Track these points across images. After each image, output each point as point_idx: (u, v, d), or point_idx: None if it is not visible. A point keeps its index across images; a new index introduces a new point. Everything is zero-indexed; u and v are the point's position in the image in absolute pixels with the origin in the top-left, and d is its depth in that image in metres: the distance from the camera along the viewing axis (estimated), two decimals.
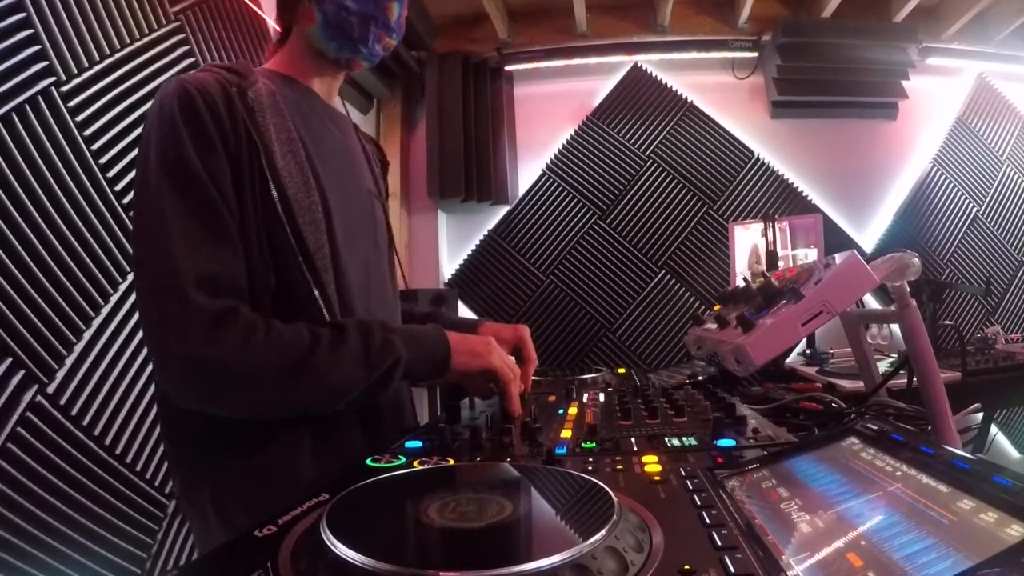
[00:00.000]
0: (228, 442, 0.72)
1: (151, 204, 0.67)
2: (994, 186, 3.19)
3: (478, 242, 3.18)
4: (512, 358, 0.88)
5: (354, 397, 0.70)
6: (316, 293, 0.73)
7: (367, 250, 0.87)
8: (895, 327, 1.75)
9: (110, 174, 1.39)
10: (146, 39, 1.53)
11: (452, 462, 0.61)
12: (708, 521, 0.42)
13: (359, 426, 0.80)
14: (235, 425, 0.70)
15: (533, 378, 0.99)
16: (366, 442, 0.80)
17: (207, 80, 0.71)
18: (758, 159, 3.11)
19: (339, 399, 0.70)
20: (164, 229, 0.65)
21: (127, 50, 1.46)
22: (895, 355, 1.81)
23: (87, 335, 1.31)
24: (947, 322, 2.71)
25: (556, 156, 3.17)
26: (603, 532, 0.36)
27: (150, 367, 1.45)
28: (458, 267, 3.18)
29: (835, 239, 2.91)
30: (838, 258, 0.72)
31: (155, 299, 0.65)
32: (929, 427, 0.82)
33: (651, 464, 0.57)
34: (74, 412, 1.27)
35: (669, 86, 3.16)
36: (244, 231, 0.70)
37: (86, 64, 1.35)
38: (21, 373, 1.17)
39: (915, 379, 0.84)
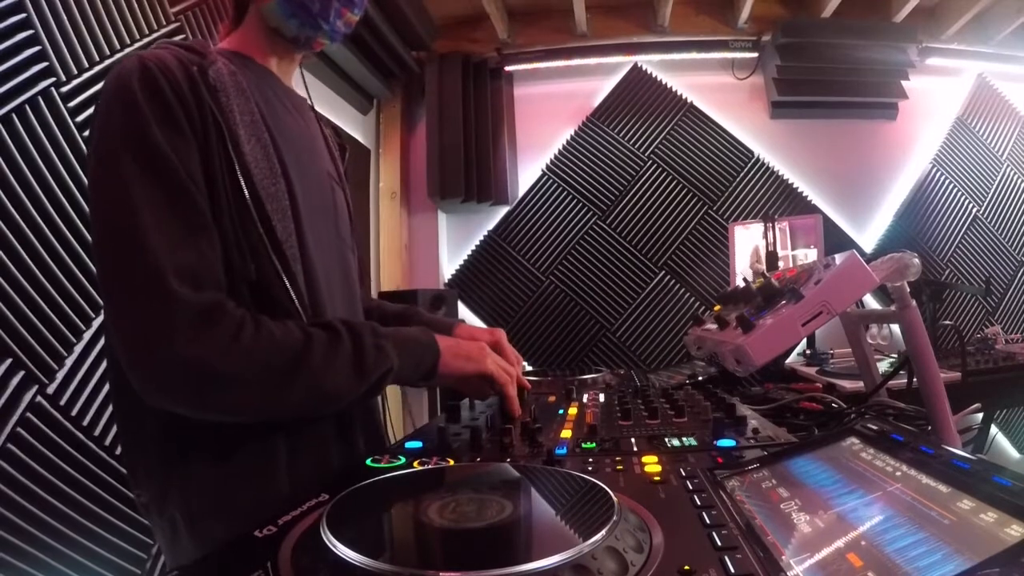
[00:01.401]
0: (197, 448, 0.67)
1: (117, 192, 0.60)
2: (994, 186, 3.19)
3: (478, 242, 3.18)
4: (504, 361, 0.87)
5: (343, 404, 0.69)
6: (287, 284, 0.68)
7: (329, 237, 0.82)
8: (895, 327, 1.75)
9: None
10: (146, 39, 1.53)
11: (452, 462, 0.61)
12: (708, 521, 0.42)
13: (334, 428, 0.77)
14: (205, 430, 0.66)
15: (533, 379, 0.98)
16: (341, 446, 0.77)
17: (167, 58, 0.65)
18: (758, 159, 3.11)
19: (330, 405, 0.68)
20: (136, 219, 0.59)
21: (127, 50, 1.46)
22: (895, 355, 1.81)
23: (87, 335, 1.31)
24: (947, 322, 2.71)
25: (556, 156, 3.17)
26: (603, 532, 0.36)
27: None
28: (458, 267, 3.18)
29: (835, 239, 2.91)
30: (838, 258, 0.72)
31: (133, 295, 0.59)
32: (929, 427, 0.82)
33: (651, 464, 0.57)
34: (74, 412, 1.27)
35: (669, 86, 3.16)
36: (217, 219, 0.65)
37: (86, 64, 1.35)
38: (21, 373, 1.17)
39: (915, 379, 0.84)
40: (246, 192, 0.66)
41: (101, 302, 0.64)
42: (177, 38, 1.63)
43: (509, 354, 0.92)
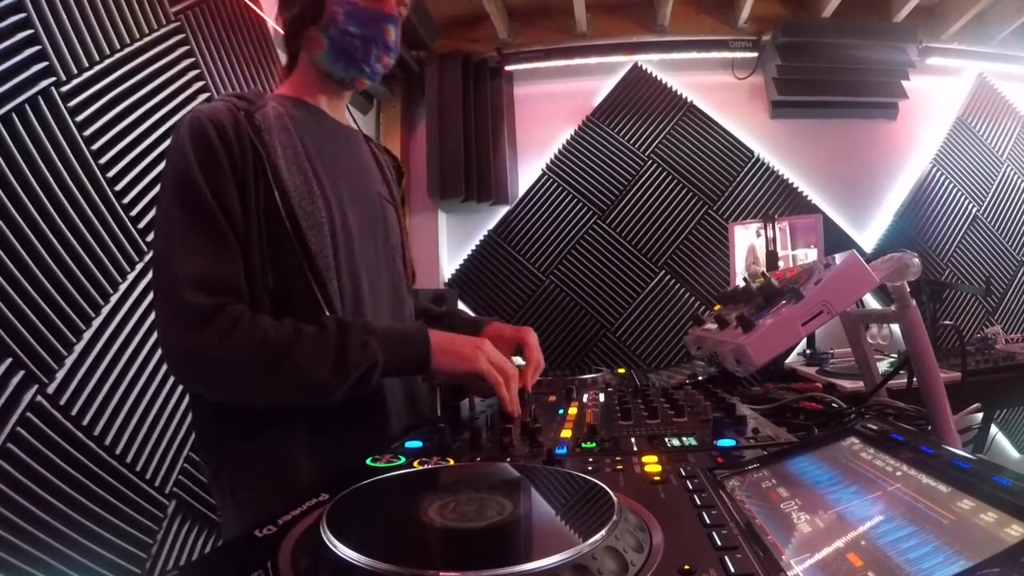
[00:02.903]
0: (235, 432, 0.80)
1: (162, 218, 0.78)
2: (994, 186, 3.19)
3: (478, 242, 3.18)
4: (508, 360, 0.87)
5: (337, 396, 0.75)
6: (317, 292, 0.79)
7: (376, 251, 0.93)
8: (895, 327, 1.75)
9: (110, 174, 1.39)
10: (146, 39, 1.53)
11: (452, 462, 0.61)
12: (708, 521, 0.42)
13: (360, 421, 0.83)
14: (240, 418, 0.79)
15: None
16: (366, 437, 0.82)
17: (218, 108, 0.81)
18: (758, 159, 3.11)
19: (317, 394, 0.75)
20: (170, 239, 0.75)
21: (127, 50, 1.46)
22: (895, 355, 1.81)
23: (87, 335, 1.31)
24: (947, 322, 2.71)
25: (556, 156, 3.17)
26: (603, 532, 0.36)
27: (150, 367, 1.45)
28: (458, 267, 3.18)
29: (835, 239, 2.91)
30: (838, 258, 0.72)
31: (160, 300, 0.74)
32: (929, 427, 0.82)
33: (651, 464, 0.57)
34: (74, 412, 1.27)
35: (669, 86, 3.16)
36: (248, 236, 0.77)
37: (86, 64, 1.35)
38: (21, 373, 1.17)
39: (915, 379, 0.84)
40: (282, 210, 0.79)
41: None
42: (177, 37, 1.63)
43: (531, 352, 0.94)
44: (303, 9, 0.88)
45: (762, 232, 2.58)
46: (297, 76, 0.95)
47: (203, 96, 1.72)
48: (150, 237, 1.50)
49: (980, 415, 1.92)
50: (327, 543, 0.36)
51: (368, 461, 0.63)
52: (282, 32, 0.94)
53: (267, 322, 0.74)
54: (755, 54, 3.06)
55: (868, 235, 3.11)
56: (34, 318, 1.19)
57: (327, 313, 0.79)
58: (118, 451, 1.35)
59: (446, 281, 3.17)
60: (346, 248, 0.85)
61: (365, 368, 0.74)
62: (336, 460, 0.75)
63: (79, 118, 1.32)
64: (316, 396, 0.75)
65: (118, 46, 1.44)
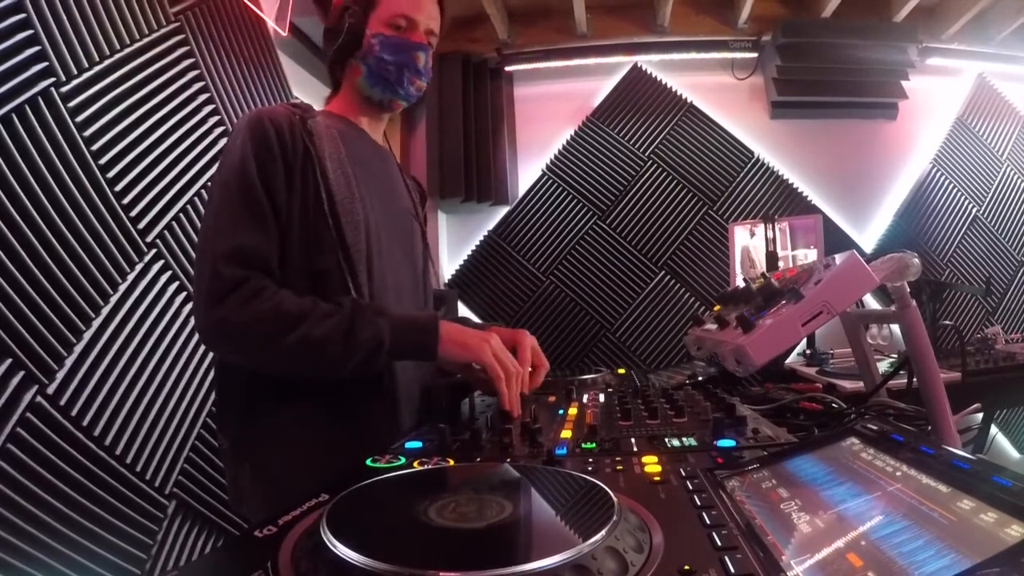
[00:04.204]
0: (262, 401, 0.87)
1: (210, 200, 0.88)
2: (994, 186, 3.19)
3: (478, 242, 3.18)
4: (509, 357, 0.87)
5: (347, 370, 0.81)
6: (349, 280, 0.87)
7: (402, 258, 1.03)
8: (895, 327, 1.75)
9: (110, 174, 1.39)
10: (146, 39, 1.53)
11: (452, 463, 0.61)
12: (708, 521, 0.42)
13: (379, 405, 0.90)
14: (265, 398, 0.86)
15: None
16: (383, 421, 0.90)
17: (277, 109, 0.91)
18: (758, 159, 3.11)
19: (327, 368, 0.81)
20: (214, 218, 0.84)
21: (127, 50, 1.46)
22: (895, 355, 1.81)
23: (87, 335, 1.31)
24: (947, 322, 2.71)
25: (556, 156, 3.17)
26: (603, 532, 0.36)
27: (150, 367, 1.45)
28: (458, 267, 3.18)
29: (835, 239, 2.90)
30: (838, 258, 0.72)
31: (198, 272, 0.83)
32: (929, 427, 0.82)
33: (651, 464, 0.57)
34: (74, 412, 1.27)
35: (669, 86, 3.16)
36: (290, 219, 0.86)
37: (86, 64, 1.35)
38: (21, 373, 1.17)
39: (915, 379, 0.84)
40: (326, 205, 0.87)
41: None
42: (177, 38, 1.63)
43: (523, 353, 0.92)
44: (346, 42, 0.98)
45: (756, 233, 2.57)
46: (341, 99, 1.06)
47: (203, 96, 1.72)
48: (150, 237, 1.50)
49: (980, 415, 1.92)
50: (327, 543, 0.36)
51: (368, 461, 0.63)
52: (327, 63, 1.05)
53: (287, 295, 0.81)
54: (755, 54, 3.06)
55: (868, 235, 3.11)
56: (34, 318, 1.19)
57: (355, 296, 0.86)
58: (118, 451, 1.35)
59: (446, 281, 3.17)
60: (376, 247, 0.93)
61: (373, 345, 0.80)
62: (358, 438, 0.80)
63: (79, 118, 1.32)
64: (326, 368, 0.82)
65: (118, 46, 1.44)
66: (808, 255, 2.51)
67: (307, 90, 2.33)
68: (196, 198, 1.64)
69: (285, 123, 0.89)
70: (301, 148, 0.88)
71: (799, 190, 3.10)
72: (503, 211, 3.16)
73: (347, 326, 0.80)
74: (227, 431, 0.92)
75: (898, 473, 0.44)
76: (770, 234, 2.48)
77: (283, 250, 0.86)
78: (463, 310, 3.08)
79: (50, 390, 1.22)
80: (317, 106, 1.04)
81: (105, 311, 1.36)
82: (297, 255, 0.86)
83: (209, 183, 0.94)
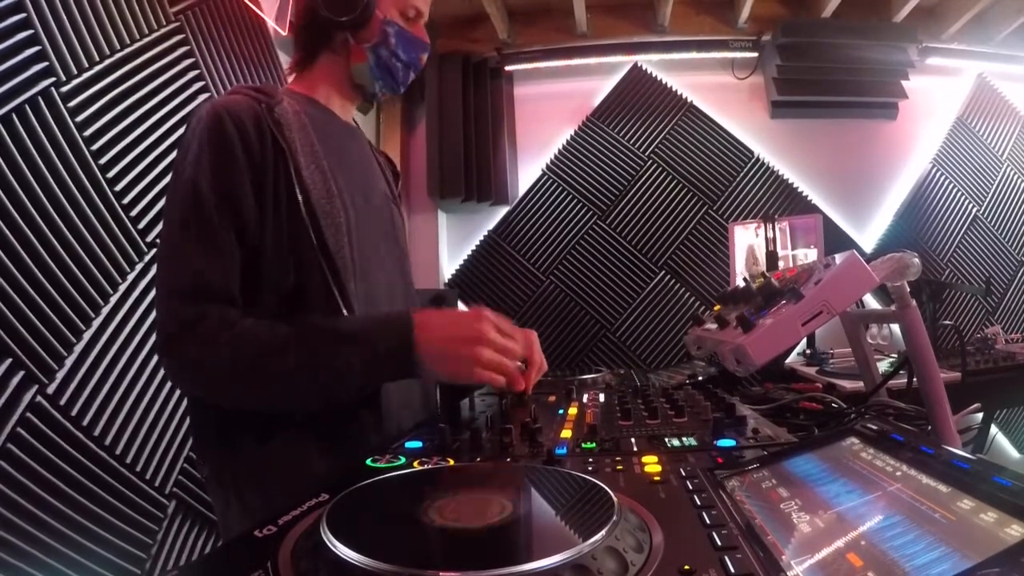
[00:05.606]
0: (243, 434, 0.79)
1: (164, 219, 0.78)
2: (994, 186, 3.19)
3: (478, 242, 3.18)
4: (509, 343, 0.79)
5: (324, 404, 0.76)
6: (335, 291, 0.79)
7: (388, 250, 0.96)
8: (895, 327, 1.75)
9: (110, 174, 1.39)
10: (146, 39, 1.53)
11: (452, 462, 0.61)
12: (708, 521, 0.42)
13: (368, 421, 0.83)
14: (249, 420, 0.78)
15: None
16: (374, 436, 0.83)
17: (239, 102, 0.79)
18: (758, 159, 3.11)
19: (299, 405, 0.76)
20: (166, 244, 0.76)
21: (127, 50, 1.46)
22: (895, 355, 1.80)
23: (87, 335, 1.31)
24: (947, 322, 2.70)
25: (556, 156, 3.17)
26: (603, 532, 0.36)
27: (150, 367, 1.45)
28: (458, 267, 3.18)
29: (835, 239, 2.90)
30: (838, 258, 0.72)
31: (156, 306, 0.76)
32: (929, 427, 0.82)
33: (651, 464, 0.57)
34: (74, 412, 1.27)
35: (669, 86, 3.16)
36: (262, 234, 0.77)
37: (86, 64, 1.35)
38: (21, 373, 1.17)
39: (915, 379, 0.84)
40: (303, 207, 0.78)
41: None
42: (177, 37, 1.63)
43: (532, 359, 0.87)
44: (352, 18, 0.87)
45: (760, 232, 2.57)
46: (316, 76, 0.95)
47: (203, 96, 1.72)
48: (150, 237, 1.50)
49: (980, 415, 1.92)
50: (327, 543, 0.36)
51: (368, 461, 0.63)
52: (301, 28, 0.92)
53: (247, 330, 0.73)
54: (755, 54, 3.06)
55: (868, 235, 3.11)
56: (34, 318, 1.19)
57: (345, 312, 0.79)
58: (118, 451, 1.35)
59: (446, 281, 3.17)
60: (360, 248, 0.86)
61: (345, 380, 0.73)
62: (350, 456, 0.73)
63: (79, 118, 1.32)
64: (297, 406, 0.76)
65: (118, 46, 1.44)
66: (808, 255, 2.51)
67: None
68: None
69: (249, 118, 0.77)
70: (270, 143, 0.78)
71: (799, 190, 3.10)
72: (503, 211, 3.16)
73: (312, 363, 0.72)
74: (209, 459, 0.84)
75: (898, 473, 0.44)
76: (770, 234, 2.48)
77: (255, 267, 0.77)
78: (463, 310, 3.07)
79: (50, 390, 1.22)
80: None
81: (105, 311, 1.36)
82: (272, 270, 0.77)
83: None
